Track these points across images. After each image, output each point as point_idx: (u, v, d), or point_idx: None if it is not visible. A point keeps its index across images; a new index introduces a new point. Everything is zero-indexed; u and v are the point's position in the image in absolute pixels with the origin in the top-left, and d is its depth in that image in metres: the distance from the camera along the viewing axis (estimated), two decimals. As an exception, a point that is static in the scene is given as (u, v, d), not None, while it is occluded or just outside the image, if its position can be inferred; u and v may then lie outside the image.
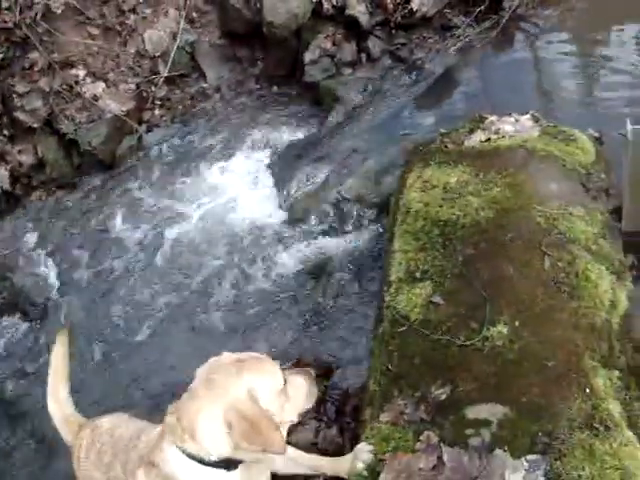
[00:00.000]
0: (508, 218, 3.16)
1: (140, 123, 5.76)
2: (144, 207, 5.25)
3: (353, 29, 5.60)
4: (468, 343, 2.78)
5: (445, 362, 2.79)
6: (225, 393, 2.23)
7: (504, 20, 5.47)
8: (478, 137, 3.76)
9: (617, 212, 3.50)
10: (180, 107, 5.91)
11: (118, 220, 5.21)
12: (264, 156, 5.31)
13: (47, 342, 4.60)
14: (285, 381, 2.34)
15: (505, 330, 2.77)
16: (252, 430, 2.20)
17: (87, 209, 5.37)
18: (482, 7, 5.55)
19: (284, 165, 5.07)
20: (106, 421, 2.80)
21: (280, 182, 4.97)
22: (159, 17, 5.98)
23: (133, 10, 5.99)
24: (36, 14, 5.51)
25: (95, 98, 5.61)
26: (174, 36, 5.91)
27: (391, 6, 5.52)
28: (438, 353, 2.83)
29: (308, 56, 5.52)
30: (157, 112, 5.85)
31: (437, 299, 2.99)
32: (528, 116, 3.94)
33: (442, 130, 4.07)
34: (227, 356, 2.36)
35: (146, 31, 5.93)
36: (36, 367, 4.49)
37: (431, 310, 2.97)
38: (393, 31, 5.60)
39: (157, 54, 5.90)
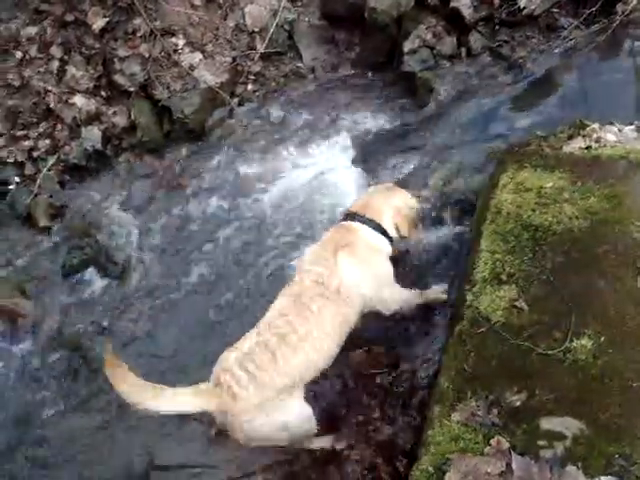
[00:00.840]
0: (603, 230, 3.07)
1: (232, 96, 5.80)
2: (227, 179, 5.29)
3: (455, 22, 5.48)
4: (550, 352, 2.72)
5: (523, 369, 2.74)
6: (390, 200, 3.65)
7: (615, 25, 5.27)
8: (578, 144, 3.66)
9: None
10: (273, 84, 5.92)
11: (201, 190, 5.28)
12: (353, 141, 5.26)
13: (123, 299, 4.78)
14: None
15: (590, 344, 2.70)
16: (405, 223, 3.59)
17: (171, 176, 5.45)
18: (593, 9, 5.36)
19: (372, 152, 5.02)
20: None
21: (367, 169, 4.94)
22: (262, -7, 6.01)
23: (237, -17, 6.04)
24: (142, -19, 5.62)
25: (191, 68, 5.68)
26: (274, 13, 5.92)
27: (497, 1, 5.39)
28: (517, 359, 2.78)
29: (407, 45, 5.44)
30: (250, 87, 5.88)
31: (521, 304, 2.94)
32: (632, 127, 3.81)
33: (539, 133, 3.98)
34: (383, 184, 3.91)
35: (247, 6, 5.96)
36: (110, 322, 4.67)
37: (514, 314, 2.92)
38: (496, 27, 5.46)
39: (256, 29, 5.92)
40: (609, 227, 3.07)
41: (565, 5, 5.47)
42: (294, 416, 3.15)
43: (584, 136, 3.74)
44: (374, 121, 5.37)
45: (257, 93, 5.87)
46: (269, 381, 3.02)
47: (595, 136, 3.71)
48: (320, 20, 6.02)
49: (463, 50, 5.47)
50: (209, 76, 5.68)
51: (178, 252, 4.93)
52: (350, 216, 3.60)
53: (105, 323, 4.67)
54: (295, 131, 5.50)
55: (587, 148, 3.60)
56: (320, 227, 4.63)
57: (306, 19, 6.01)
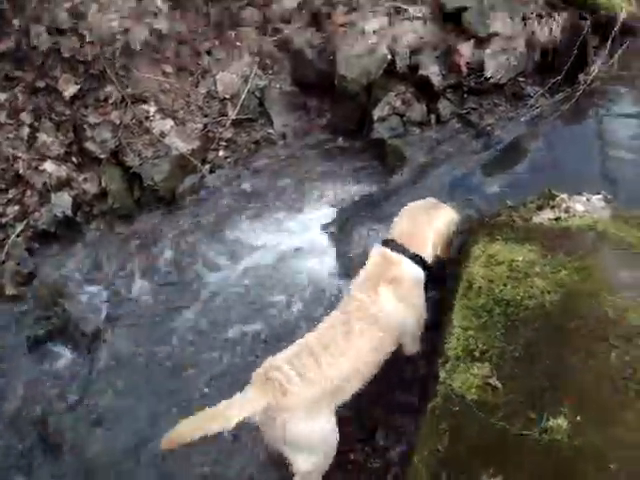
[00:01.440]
0: (575, 304, 3.06)
1: (204, 163, 5.79)
2: (198, 248, 5.24)
3: (425, 89, 5.58)
4: (525, 433, 2.68)
5: (499, 450, 2.68)
6: (433, 222, 3.77)
7: (578, 94, 5.41)
8: (547, 214, 3.69)
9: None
10: (244, 150, 5.94)
11: (171, 258, 5.21)
12: (323, 208, 5.27)
13: (92, 372, 4.64)
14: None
15: (565, 424, 2.65)
16: (445, 246, 3.78)
17: (142, 243, 5.39)
18: (558, 78, 5.51)
19: (343, 220, 5.03)
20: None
21: (338, 237, 4.93)
22: (233, 60, 6.07)
23: (208, 52, 6.10)
24: (115, 50, 5.65)
25: (162, 135, 5.68)
26: (245, 80, 5.99)
27: (465, 70, 5.50)
28: (492, 439, 2.73)
29: (377, 113, 5.51)
30: (221, 153, 5.89)
31: (495, 382, 2.90)
32: (600, 196, 3.85)
33: (510, 203, 4.00)
34: (421, 202, 3.95)
35: (219, 73, 6.03)
36: (77, 398, 4.49)
37: (488, 393, 2.88)
38: (465, 95, 5.57)
39: (227, 96, 5.97)
40: (580, 301, 3.06)
41: (530, 74, 5.63)
42: (331, 432, 3.32)
43: (553, 207, 3.77)
44: (345, 188, 5.38)
45: (228, 159, 5.87)
46: (317, 380, 3.20)
47: (564, 206, 3.74)
48: (291, 86, 6.10)
49: (432, 117, 5.55)
50: (180, 143, 5.68)
51: (149, 323, 4.82)
52: (393, 245, 3.71)
53: (73, 398, 4.51)
54: (266, 198, 5.49)
55: (557, 219, 3.63)
56: (291, 300, 4.62)
57: (277, 86, 6.08)
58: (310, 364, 3.22)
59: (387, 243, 3.75)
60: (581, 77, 5.50)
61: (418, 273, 3.66)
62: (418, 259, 3.66)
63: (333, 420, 3.32)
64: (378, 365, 3.49)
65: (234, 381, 4.22)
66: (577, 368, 2.84)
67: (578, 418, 2.67)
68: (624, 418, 2.63)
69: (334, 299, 4.44)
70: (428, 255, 3.70)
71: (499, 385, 2.88)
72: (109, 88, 5.73)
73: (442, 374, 3.08)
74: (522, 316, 3.08)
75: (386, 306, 3.49)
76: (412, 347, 3.77)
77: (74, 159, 5.73)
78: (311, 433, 3.23)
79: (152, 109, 5.79)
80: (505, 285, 3.23)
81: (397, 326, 3.55)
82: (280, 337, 4.35)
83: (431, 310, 3.79)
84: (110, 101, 5.73)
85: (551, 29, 5.59)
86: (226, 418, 3.01)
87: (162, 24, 5.90)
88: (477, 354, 3.03)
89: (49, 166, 5.62)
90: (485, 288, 3.26)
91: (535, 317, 3.06)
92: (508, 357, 2.96)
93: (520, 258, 3.33)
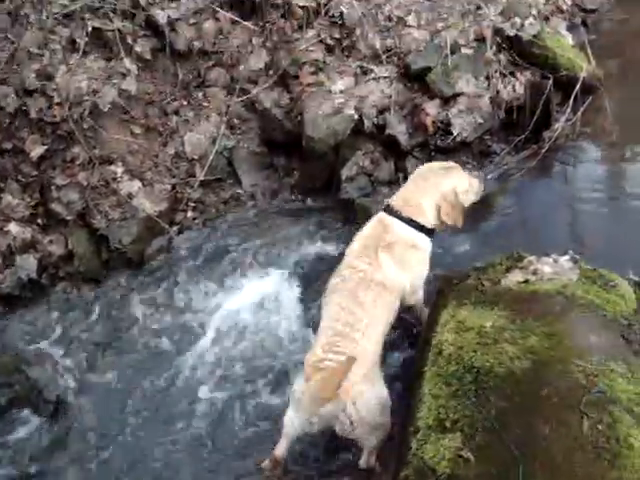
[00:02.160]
0: (545, 371, 3.03)
1: (172, 224, 5.75)
2: (166, 311, 5.16)
3: (392, 148, 5.63)
4: (499, 509, 2.62)
5: (473, 526, 2.62)
6: (438, 187, 4.01)
7: (543, 151, 5.50)
8: (516, 277, 3.68)
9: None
10: (213, 211, 5.91)
11: (138, 322, 5.13)
12: (293, 269, 5.23)
13: (56, 441, 4.50)
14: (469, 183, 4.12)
15: (539, 497, 2.61)
16: (452, 211, 4.00)
17: (109, 307, 5.28)
18: (523, 136, 5.60)
19: (312, 281, 4.99)
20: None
21: (308, 298, 4.90)
22: (201, 121, 6.07)
23: (176, 112, 6.11)
24: (84, 111, 5.63)
25: (130, 196, 5.63)
26: (213, 140, 5.99)
27: (431, 129, 5.56)
28: (466, 515, 2.66)
29: (345, 172, 5.53)
30: (190, 214, 5.86)
31: (467, 454, 2.84)
32: (567, 257, 3.85)
33: (478, 264, 4.00)
34: (435, 164, 4.28)
35: (187, 133, 6.02)
36: (39, 467, 4.37)
37: (460, 465, 2.82)
38: (432, 153, 5.62)
39: (195, 157, 5.96)
40: (550, 368, 3.03)
41: (496, 132, 5.71)
42: (385, 390, 3.60)
43: (521, 268, 3.76)
44: (314, 248, 5.37)
45: (197, 220, 5.84)
46: (361, 355, 3.42)
47: (532, 268, 3.73)
48: (259, 146, 6.11)
49: (400, 176, 5.58)
50: (148, 204, 5.63)
51: (114, 390, 4.71)
52: (389, 211, 4.02)
53: (35, 468, 4.37)
54: (234, 259, 5.44)
55: (525, 282, 3.61)
56: (261, 364, 4.58)
57: (245, 145, 6.09)
58: (347, 345, 3.47)
59: (386, 208, 4.05)
60: (545, 134, 5.60)
61: (413, 237, 3.96)
62: (414, 224, 3.96)
63: (382, 381, 3.64)
64: (392, 322, 3.86)
65: (207, 450, 4.23)
66: (549, 438, 2.80)
67: (551, 491, 2.62)
68: (598, 490, 2.59)
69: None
70: (426, 221, 4.00)
71: (471, 457, 2.82)
72: (76, 149, 5.68)
73: (414, 444, 3.02)
74: (492, 384, 3.03)
75: (388, 271, 3.80)
76: (410, 300, 4.07)
77: (40, 221, 5.65)
78: (378, 400, 3.49)
79: (120, 170, 5.75)
80: (475, 352, 3.19)
81: (400, 288, 3.87)
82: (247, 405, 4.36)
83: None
84: (77, 162, 5.67)
85: (514, 88, 5.70)
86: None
87: (131, 85, 5.88)
88: (448, 424, 2.97)
89: (14, 228, 5.53)
90: (455, 355, 3.22)
91: (505, 385, 3.01)
92: (479, 427, 2.90)
93: (489, 324, 3.30)
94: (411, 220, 3.96)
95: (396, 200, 4.08)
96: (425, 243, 4.03)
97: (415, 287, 4.05)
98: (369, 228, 4.04)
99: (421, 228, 3.99)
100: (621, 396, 2.95)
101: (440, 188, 4.03)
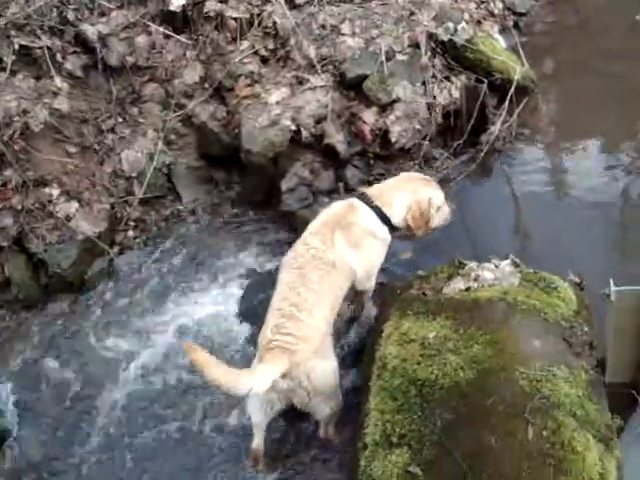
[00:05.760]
0: (489, 380, 3.03)
1: (112, 245, 5.60)
2: (110, 335, 5.03)
3: (331, 158, 5.58)
4: (448, 525, 2.60)
5: None
6: (416, 192, 4.15)
7: (482, 154, 5.54)
8: (458, 284, 3.68)
9: (601, 364, 3.39)
10: (154, 229, 5.79)
11: (81, 350, 4.97)
12: (237, 283, 5.19)
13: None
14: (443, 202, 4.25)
15: (488, 510, 2.60)
16: (419, 217, 4.11)
17: (51, 334, 5.12)
18: (461, 141, 5.63)
19: (255, 295, 4.93)
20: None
21: (252, 312, 4.82)
22: (137, 138, 5.95)
23: (112, 130, 5.96)
24: (14, 132, 5.45)
25: (67, 218, 5.46)
26: (151, 157, 5.87)
27: (369, 137, 5.54)
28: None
29: (285, 184, 5.46)
30: (130, 233, 5.73)
31: (415, 469, 2.82)
32: (508, 261, 3.87)
33: (420, 273, 3.99)
34: (417, 174, 4.60)
35: (124, 151, 5.89)
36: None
37: (409, 481, 2.80)
38: (372, 161, 5.60)
39: (133, 174, 5.84)
40: (494, 376, 3.04)
41: (435, 137, 5.70)
42: (335, 363, 3.74)
43: (463, 275, 3.77)
44: (258, 261, 5.33)
45: (138, 240, 5.71)
46: (309, 334, 3.57)
47: (473, 275, 3.74)
48: (198, 161, 6.04)
49: (341, 185, 5.55)
50: (87, 226, 5.47)
51: (59, 423, 4.55)
52: (362, 197, 4.12)
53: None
54: (177, 276, 5.36)
55: (467, 289, 3.62)
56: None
57: (184, 161, 6.01)
58: (293, 325, 3.56)
59: (360, 195, 4.16)
60: (483, 137, 5.64)
61: (375, 225, 4.06)
62: (380, 214, 4.06)
63: (332, 349, 3.81)
64: (341, 300, 3.94)
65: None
66: (496, 448, 2.80)
67: (500, 502, 2.62)
68: (545, 499, 2.59)
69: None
70: (393, 215, 4.10)
71: (419, 472, 2.81)
72: (8, 172, 5.48)
73: (362, 462, 2.99)
74: (438, 396, 3.02)
75: (340, 251, 3.88)
76: (364, 285, 4.22)
77: (-27, 249, 5.46)
78: (330, 370, 3.67)
79: (55, 192, 5.58)
80: (419, 364, 3.17)
81: (350, 269, 3.95)
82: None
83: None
84: (10, 186, 5.47)
85: (450, 92, 5.71)
86: (249, 380, 3.25)
87: (62, 104, 5.73)
88: (395, 439, 2.95)
89: (-55, 257, 5.34)
90: (399, 368, 3.20)
91: (451, 397, 3.01)
92: (427, 441, 2.89)
93: (432, 334, 3.29)
94: (378, 209, 4.06)
95: (372, 189, 4.23)
96: (384, 234, 4.13)
97: (369, 274, 4.18)
98: (337, 207, 4.14)
99: (386, 220, 4.09)
100: (564, 400, 2.98)
101: (418, 193, 4.16)
